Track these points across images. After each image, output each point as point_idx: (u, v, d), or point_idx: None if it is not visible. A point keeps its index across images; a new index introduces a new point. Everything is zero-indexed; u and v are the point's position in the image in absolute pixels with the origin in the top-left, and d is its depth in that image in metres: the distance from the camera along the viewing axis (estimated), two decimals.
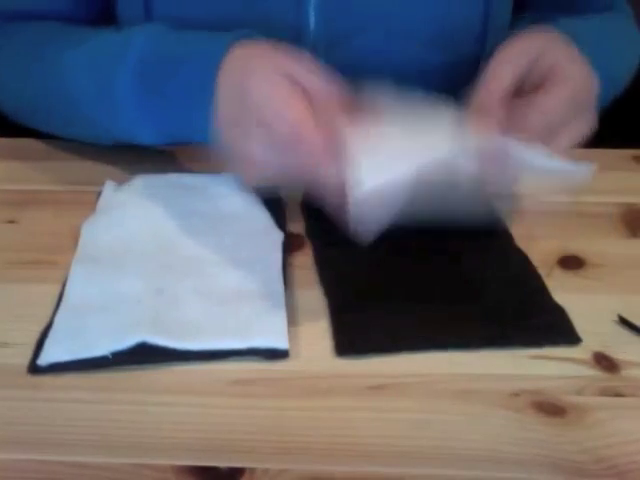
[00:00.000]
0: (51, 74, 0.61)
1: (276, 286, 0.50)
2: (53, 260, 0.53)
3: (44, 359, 0.44)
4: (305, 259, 0.54)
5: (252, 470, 0.39)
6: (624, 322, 0.48)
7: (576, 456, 0.40)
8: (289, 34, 0.62)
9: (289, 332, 0.46)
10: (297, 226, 0.57)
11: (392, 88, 0.52)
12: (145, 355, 0.44)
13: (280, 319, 0.47)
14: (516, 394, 0.43)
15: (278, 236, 0.54)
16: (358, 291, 0.50)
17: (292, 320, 0.48)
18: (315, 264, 0.53)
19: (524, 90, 0.52)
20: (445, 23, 0.64)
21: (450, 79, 0.66)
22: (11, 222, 0.57)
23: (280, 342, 0.46)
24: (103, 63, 0.56)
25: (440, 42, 0.64)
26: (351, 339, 0.46)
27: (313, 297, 0.50)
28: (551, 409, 0.42)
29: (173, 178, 0.60)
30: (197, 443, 0.40)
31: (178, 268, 0.51)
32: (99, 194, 0.59)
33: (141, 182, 0.59)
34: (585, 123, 0.52)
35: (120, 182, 0.59)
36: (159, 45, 0.55)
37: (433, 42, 0.64)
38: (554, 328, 0.47)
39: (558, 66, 0.51)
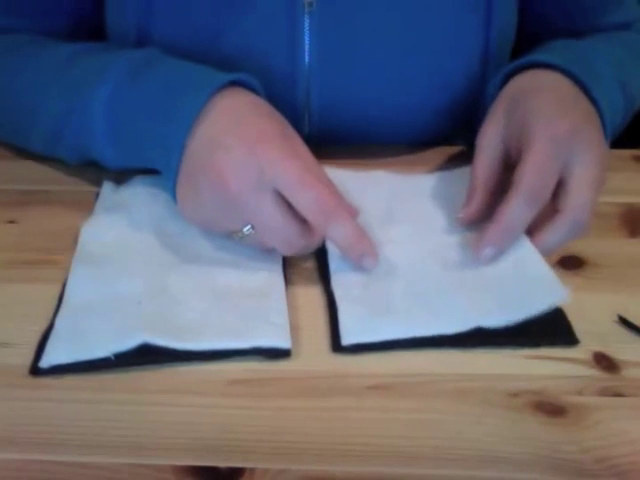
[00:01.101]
0: (16, 85, 0.60)
1: (277, 285, 0.50)
2: (53, 260, 0.53)
3: (46, 361, 0.44)
4: (307, 256, 0.53)
5: (252, 470, 0.39)
6: (624, 322, 0.48)
7: (576, 456, 0.40)
8: (283, 71, 0.61)
9: (289, 333, 0.46)
10: None
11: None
12: (147, 356, 0.44)
13: (282, 318, 0.47)
14: (516, 394, 0.43)
15: None
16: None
17: (293, 319, 0.48)
18: (316, 260, 0.53)
19: (511, 155, 0.54)
20: (443, 68, 0.63)
21: (448, 120, 0.66)
22: (11, 222, 0.57)
23: (282, 341, 0.45)
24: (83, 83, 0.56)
25: (438, 85, 0.64)
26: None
27: (314, 296, 0.50)
28: (551, 409, 0.42)
29: None
30: (197, 443, 0.40)
31: (178, 268, 0.51)
32: (97, 194, 0.59)
33: (140, 182, 0.59)
34: (592, 157, 0.51)
35: (119, 182, 0.59)
36: (134, 83, 0.54)
37: (431, 86, 0.64)
38: (552, 329, 0.47)
39: (527, 127, 0.52)
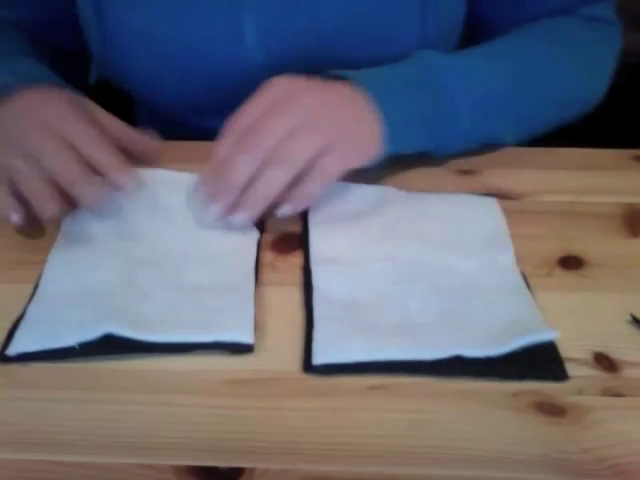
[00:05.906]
0: None
1: (246, 282, 0.50)
2: None
3: (13, 349, 0.45)
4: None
5: (251, 470, 0.39)
6: (637, 321, 0.48)
7: (576, 456, 0.40)
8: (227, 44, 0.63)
9: (289, 333, 0.47)
10: (295, 226, 0.57)
11: None
12: (111, 346, 0.45)
13: (247, 314, 0.47)
14: (516, 394, 0.43)
15: (253, 234, 0.54)
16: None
17: (293, 320, 0.48)
18: (303, 274, 0.52)
19: None
20: (383, 50, 0.63)
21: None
22: None
23: (245, 336, 0.45)
24: None
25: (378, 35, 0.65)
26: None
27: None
28: (551, 409, 0.42)
29: (148, 173, 0.59)
30: (197, 443, 0.40)
31: (149, 262, 0.51)
32: None
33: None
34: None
35: None
36: None
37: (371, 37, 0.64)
38: (542, 361, 0.45)
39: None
